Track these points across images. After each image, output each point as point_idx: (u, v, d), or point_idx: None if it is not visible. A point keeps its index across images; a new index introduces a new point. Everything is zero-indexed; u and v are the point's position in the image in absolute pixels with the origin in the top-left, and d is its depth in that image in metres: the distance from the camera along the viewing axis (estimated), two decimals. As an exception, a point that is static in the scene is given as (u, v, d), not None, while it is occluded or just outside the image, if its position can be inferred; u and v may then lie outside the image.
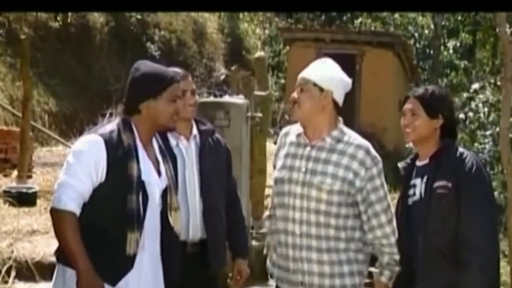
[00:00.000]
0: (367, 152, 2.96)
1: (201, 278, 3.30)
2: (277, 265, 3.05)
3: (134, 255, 2.72)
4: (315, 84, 2.96)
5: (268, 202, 5.35)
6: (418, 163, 3.05)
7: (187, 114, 3.33)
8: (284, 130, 3.13)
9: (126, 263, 2.72)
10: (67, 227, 2.64)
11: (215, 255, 3.29)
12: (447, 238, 2.87)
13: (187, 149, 3.33)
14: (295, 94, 2.98)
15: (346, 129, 3.03)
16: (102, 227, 2.69)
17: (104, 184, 2.71)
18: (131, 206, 2.70)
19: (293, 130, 3.07)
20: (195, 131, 3.38)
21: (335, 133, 2.98)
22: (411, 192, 3.01)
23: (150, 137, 2.88)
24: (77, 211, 2.67)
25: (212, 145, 3.39)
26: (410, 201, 3.01)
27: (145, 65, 2.86)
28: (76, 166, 2.69)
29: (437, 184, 2.90)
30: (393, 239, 3.00)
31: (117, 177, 2.70)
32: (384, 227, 2.97)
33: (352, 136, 3.01)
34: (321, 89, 2.97)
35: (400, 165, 3.13)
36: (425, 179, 2.96)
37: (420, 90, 3.05)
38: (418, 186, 2.98)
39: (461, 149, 2.99)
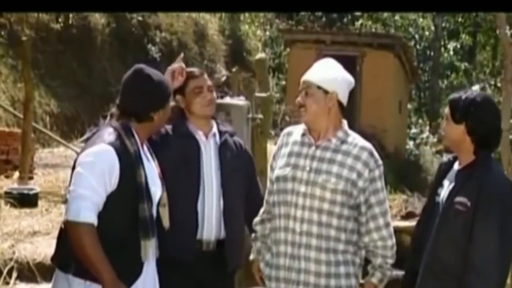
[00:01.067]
0: (371, 154, 2.99)
1: (218, 279, 3.30)
2: (270, 264, 3.04)
3: (143, 262, 2.75)
4: (319, 87, 2.98)
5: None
6: (456, 166, 2.98)
7: (205, 111, 3.35)
8: (287, 130, 3.15)
9: (137, 269, 2.75)
10: (88, 240, 2.63)
11: (233, 256, 3.29)
12: (454, 255, 2.82)
13: (205, 144, 3.34)
14: (300, 99, 3.00)
15: (350, 131, 3.06)
16: (112, 234, 2.70)
17: (116, 193, 2.72)
18: (144, 214, 2.73)
19: (297, 130, 3.09)
20: (215, 129, 3.39)
21: (340, 134, 3.01)
22: (439, 190, 2.97)
23: (145, 139, 2.93)
24: (96, 222, 2.67)
25: (233, 147, 3.39)
26: (436, 199, 2.97)
27: (152, 72, 2.88)
28: (90, 177, 2.68)
29: (457, 199, 2.84)
30: (389, 242, 3.01)
31: (127, 185, 2.72)
32: (381, 230, 2.99)
33: (356, 137, 3.04)
34: (326, 92, 2.99)
35: (444, 158, 3.08)
36: (451, 186, 2.91)
37: (454, 94, 2.97)
38: (445, 189, 2.94)
39: (495, 169, 2.89)
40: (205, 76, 3.41)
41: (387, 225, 3.01)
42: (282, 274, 2.99)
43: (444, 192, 2.93)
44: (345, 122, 3.06)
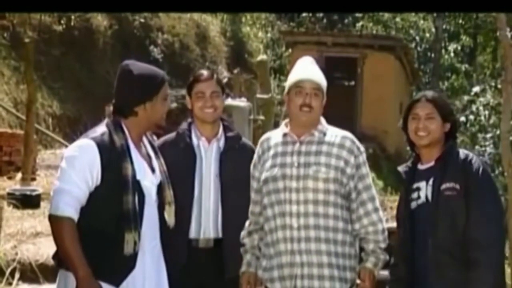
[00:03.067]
0: (353, 141, 3.09)
1: (217, 279, 3.31)
2: (270, 267, 3.06)
3: (136, 254, 2.75)
4: (323, 92, 3.12)
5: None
6: (421, 166, 3.05)
7: (205, 116, 3.36)
8: (264, 137, 3.20)
9: (127, 263, 2.74)
10: (65, 234, 2.65)
11: (232, 260, 3.28)
12: (456, 239, 2.89)
13: (206, 150, 3.36)
14: (308, 99, 3.05)
15: (326, 124, 3.15)
16: (100, 228, 2.72)
17: (100, 187, 2.73)
18: (127, 206, 2.72)
19: (275, 135, 3.15)
20: (220, 135, 3.40)
21: (320, 127, 3.10)
22: (414, 195, 3.01)
23: (141, 136, 2.91)
24: (75, 216, 2.68)
25: (237, 152, 3.39)
26: (413, 204, 3.00)
27: (136, 67, 2.85)
28: (71, 172, 2.71)
29: (444, 186, 2.91)
30: (380, 226, 3.06)
31: (112, 179, 2.72)
32: (370, 214, 3.05)
33: (333, 128, 3.14)
34: (323, 92, 3.12)
35: (401, 169, 3.14)
36: (431, 181, 2.96)
37: (431, 94, 3.06)
38: (423, 189, 2.98)
39: (464, 151, 3.01)
40: (213, 80, 3.39)
41: (376, 210, 3.07)
42: (286, 272, 3.01)
43: (424, 191, 2.98)
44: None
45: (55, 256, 2.84)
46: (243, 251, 3.20)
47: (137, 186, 2.77)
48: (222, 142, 3.39)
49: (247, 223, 3.21)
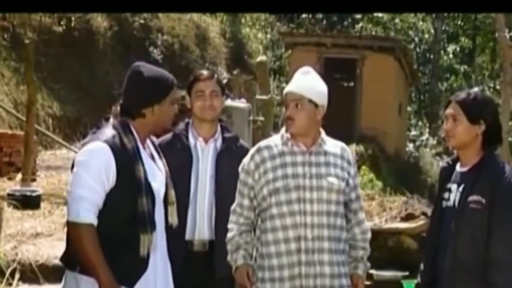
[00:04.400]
0: (349, 152, 3.17)
1: (211, 280, 3.32)
2: (270, 278, 3.03)
3: (148, 256, 2.76)
4: (310, 101, 3.04)
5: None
6: (459, 168, 2.97)
7: (204, 115, 3.37)
8: (263, 144, 3.15)
9: (141, 265, 2.75)
10: (88, 240, 2.66)
11: (222, 261, 3.26)
12: (476, 254, 2.82)
13: (203, 150, 3.38)
14: (290, 112, 3.05)
15: (324, 133, 3.16)
16: (114, 231, 2.72)
17: (115, 189, 2.73)
18: (142, 209, 2.73)
19: (274, 143, 3.12)
20: (217, 135, 3.41)
21: (324, 137, 3.13)
22: (445, 195, 2.96)
23: (147, 138, 2.92)
24: (95, 222, 2.69)
25: (233, 153, 3.39)
26: (444, 204, 2.96)
27: (147, 69, 2.86)
28: (87, 177, 2.69)
29: (471, 198, 2.84)
30: (368, 235, 3.15)
31: (126, 181, 2.73)
32: (361, 224, 3.13)
33: (330, 139, 3.15)
34: (316, 105, 3.06)
35: (441, 163, 3.09)
36: (461, 188, 2.89)
37: (462, 95, 2.94)
38: (454, 192, 2.93)
39: (502, 163, 2.89)
40: (213, 80, 3.40)
41: (364, 219, 3.16)
42: (298, 283, 3.00)
43: (454, 195, 2.92)
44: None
45: (64, 258, 2.84)
46: (234, 248, 3.12)
47: (149, 188, 2.78)
48: (219, 143, 3.40)
49: (232, 225, 3.14)
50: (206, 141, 3.39)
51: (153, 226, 2.77)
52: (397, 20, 23.03)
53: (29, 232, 6.37)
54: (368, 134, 15.50)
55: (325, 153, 3.07)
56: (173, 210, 2.95)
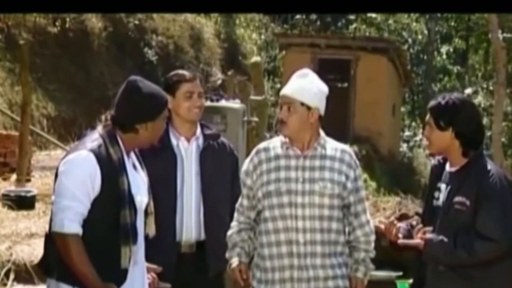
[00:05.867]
0: (351, 155, 3.13)
1: (200, 281, 3.34)
2: (265, 280, 3.07)
3: (127, 268, 2.76)
4: (302, 104, 3.04)
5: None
6: (448, 168, 2.99)
7: (192, 116, 3.38)
8: (261, 146, 3.17)
9: (120, 276, 2.76)
10: (74, 251, 2.66)
11: (214, 258, 3.31)
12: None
13: (186, 150, 3.38)
14: (282, 115, 3.06)
15: (325, 136, 3.15)
16: (96, 241, 2.72)
17: (98, 199, 2.73)
18: (125, 221, 2.74)
19: (273, 145, 3.13)
20: (198, 133, 3.42)
21: (321, 141, 3.10)
22: (436, 194, 3.00)
23: (132, 150, 2.91)
24: (80, 231, 2.70)
25: (216, 149, 3.42)
26: (434, 203, 3.00)
27: (144, 85, 2.85)
28: (72, 187, 2.69)
29: (456, 199, 2.87)
30: (372, 237, 3.13)
31: (110, 192, 2.73)
32: (364, 226, 3.12)
33: (332, 141, 3.14)
34: (309, 107, 3.05)
35: (433, 161, 3.10)
36: (448, 188, 2.93)
37: (433, 102, 2.97)
38: (443, 192, 2.96)
39: (489, 166, 2.89)
40: (198, 81, 3.43)
41: (368, 221, 3.14)
42: (289, 286, 3.03)
43: (442, 195, 2.95)
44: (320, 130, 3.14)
45: (41, 264, 2.85)
46: (231, 246, 3.16)
47: (132, 200, 2.79)
48: (201, 141, 3.41)
49: (234, 223, 3.19)
50: (188, 140, 3.39)
51: (135, 238, 2.78)
52: (390, 21, 23.08)
53: (23, 233, 6.38)
54: (362, 135, 15.55)
55: (321, 157, 3.06)
56: (151, 220, 2.94)
